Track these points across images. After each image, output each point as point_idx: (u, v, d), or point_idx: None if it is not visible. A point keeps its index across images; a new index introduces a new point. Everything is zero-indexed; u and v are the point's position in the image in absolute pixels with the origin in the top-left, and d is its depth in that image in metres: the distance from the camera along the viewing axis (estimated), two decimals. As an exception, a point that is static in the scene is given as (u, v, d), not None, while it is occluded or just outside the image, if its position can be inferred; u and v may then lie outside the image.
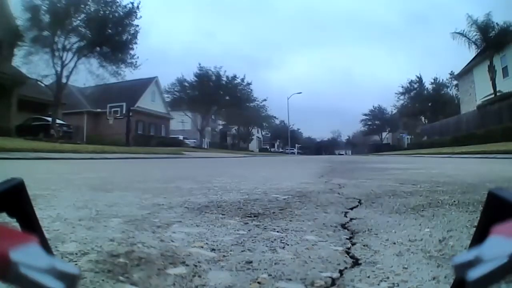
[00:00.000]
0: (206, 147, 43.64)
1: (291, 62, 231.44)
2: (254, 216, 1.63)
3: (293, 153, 65.00)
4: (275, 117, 67.47)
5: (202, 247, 1.12)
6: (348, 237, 1.26)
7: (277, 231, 1.34)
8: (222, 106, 47.49)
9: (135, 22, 26.49)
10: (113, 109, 30.62)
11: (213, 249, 1.09)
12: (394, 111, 58.23)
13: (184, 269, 0.91)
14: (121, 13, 26.04)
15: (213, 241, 1.18)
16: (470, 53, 28.04)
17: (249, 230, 1.35)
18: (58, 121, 24.84)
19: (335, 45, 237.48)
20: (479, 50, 27.13)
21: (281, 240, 1.21)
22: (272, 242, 1.18)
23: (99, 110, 34.08)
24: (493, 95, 25.23)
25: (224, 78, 46.61)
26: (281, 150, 78.53)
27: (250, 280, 0.84)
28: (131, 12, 26.18)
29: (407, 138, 50.56)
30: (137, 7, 26.18)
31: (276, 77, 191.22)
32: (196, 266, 0.93)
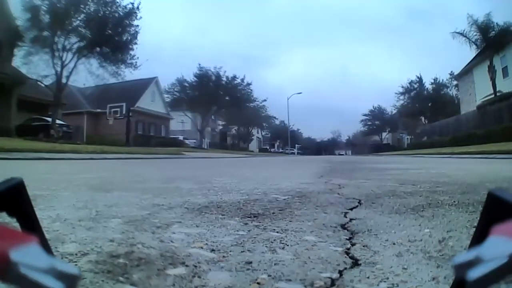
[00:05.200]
0: (206, 147, 43.64)
1: (287, 61, 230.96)
2: (254, 217, 1.63)
3: (293, 153, 64.95)
4: (275, 117, 67.54)
5: (202, 247, 1.12)
6: (347, 237, 1.26)
7: (277, 232, 1.34)
8: (222, 106, 47.50)
9: (135, 22, 26.53)
10: (113, 109, 30.62)
11: (212, 250, 1.09)
12: (394, 111, 58.29)
13: (183, 269, 0.91)
14: (121, 13, 26.02)
15: (213, 242, 1.18)
16: (470, 52, 28.10)
17: (249, 231, 1.35)
18: (58, 121, 24.83)
19: (331, 44, 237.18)
20: (479, 50, 27.14)
21: (280, 240, 1.21)
22: (272, 242, 1.18)
23: (99, 110, 34.09)
24: (493, 95, 25.25)
25: (224, 79, 46.67)
26: (281, 150, 78.49)
27: (250, 280, 0.84)
28: (131, 13, 26.17)
29: (407, 138, 50.56)
30: (137, 7, 26.20)
31: (272, 76, 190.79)
32: (196, 266, 0.93)
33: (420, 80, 50.77)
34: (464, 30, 26.77)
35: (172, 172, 5.53)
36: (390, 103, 69.76)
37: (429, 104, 47.51)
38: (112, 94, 30.55)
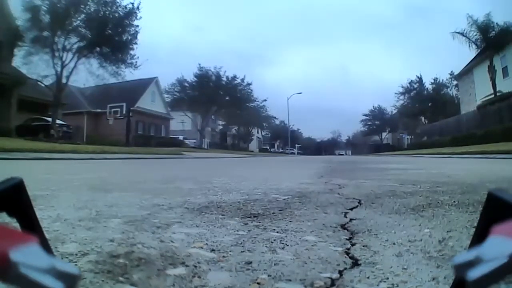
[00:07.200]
0: (206, 147, 43.65)
1: (287, 60, 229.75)
2: (254, 217, 1.63)
3: (293, 153, 64.98)
4: (275, 117, 67.55)
5: (202, 247, 1.12)
6: (347, 237, 1.26)
7: (277, 232, 1.34)
8: (222, 106, 47.51)
9: (135, 22, 26.53)
10: (113, 109, 30.62)
11: (212, 250, 1.09)
12: (394, 111, 58.31)
13: (183, 269, 0.91)
14: (121, 13, 26.00)
15: (213, 242, 1.18)
16: (470, 52, 28.12)
17: (249, 231, 1.35)
18: (58, 121, 24.81)
19: (331, 43, 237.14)
20: (479, 50, 27.14)
21: (280, 240, 1.21)
22: (272, 242, 1.18)
23: (99, 110, 34.08)
24: (493, 95, 25.25)
25: (224, 79, 46.68)
26: (281, 150, 78.53)
27: (250, 280, 0.84)
28: (131, 13, 26.15)
29: (407, 138, 50.59)
30: (137, 7, 26.20)
31: (272, 76, 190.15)
32: (195, 266, 0.93)
33: (420, 80, 50.79)
34: (464, 30, 26.82)
35: (172, 172, 5.53)
36: (390, 103, 69.78)
37: (429, 104, 47.52)
38: (112, 94, 30.52)
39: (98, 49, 25.90)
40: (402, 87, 51.77)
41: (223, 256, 1.02)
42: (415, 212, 1.74)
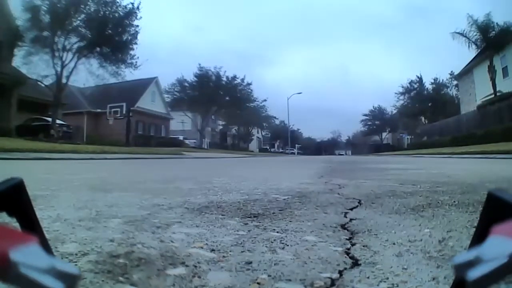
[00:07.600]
0: (206, 147, 43.67)
1: (287, 60, 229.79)
2: (254, 217, 1.63)
3: (293, 153, 64.98)
4: (275, 117, 67.57)
5: (202, 247, 1.12)
6: (347, 237, 1.26)
7: (277, 232, 1.34)
8: (222, 106, 47.53)
9: (135, 22, 26.54)
10: (113, 109, 30.62)
11: (212, 250, 1.09)
12: (394, 111, 58.32)
13: (183, 269, 0.91)
14: (121, 13, 26.02)
15: (213, 242, 1.18)
16: (470, 52, 28.14)
17: (249, 231, 1.35)
18: (58, 121, 24.81)
19: (331, 43, 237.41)
20: (479, 50, 27.15)
21: (280, 240, 1.21)
22: (272, 242, 1.18)
23: (99, 110, 34.09)
24: (493, 95, 25.25)
25: (224, 79, 46.72)
26: (281, 150, 78.57)
27: (250, 280, 0.84)
28: (131, 13, 26.17)
29: (407, 138, 50.61)
30: (137, 7, 26.21)
31: (271, 76, 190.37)
32: (195, 266, 0.93)
33: (420, 80, 50.79)
34: (464, 30, 26.83)
35: (172, 172, 5.52)
36: (390, 103, 69.68)
37: (429, 104, 47.53)
38: (112, 94, 30.50)
39: (98, 49, 25.91)
40: (402, 87, 51.83)
41: (223, 256, 1.02)
42: (415, 212, 1.74)
